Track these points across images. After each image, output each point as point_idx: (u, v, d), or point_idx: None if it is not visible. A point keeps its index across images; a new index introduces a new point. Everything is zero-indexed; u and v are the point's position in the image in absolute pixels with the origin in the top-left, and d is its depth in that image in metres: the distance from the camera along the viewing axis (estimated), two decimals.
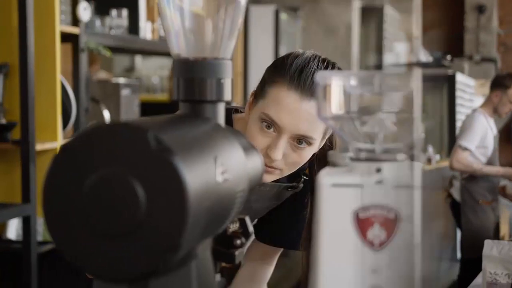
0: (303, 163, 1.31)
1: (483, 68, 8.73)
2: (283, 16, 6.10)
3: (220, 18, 0.86)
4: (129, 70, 5.86)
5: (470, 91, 7.63)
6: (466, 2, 9.28)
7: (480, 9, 9.17)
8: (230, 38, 0.86)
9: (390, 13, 7.50)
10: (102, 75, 3.79)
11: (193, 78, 0.83)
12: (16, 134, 2.46)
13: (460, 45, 8.87)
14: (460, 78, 7.04)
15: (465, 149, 4.34)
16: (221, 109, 0.85)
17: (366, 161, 0.72)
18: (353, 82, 0.73)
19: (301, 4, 5.67)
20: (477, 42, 9.16)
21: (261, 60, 5.48)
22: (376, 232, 0.70)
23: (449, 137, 7.25)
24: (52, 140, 2.55)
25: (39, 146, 2.46)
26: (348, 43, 5.55)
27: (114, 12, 3.11)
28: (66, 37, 2.70)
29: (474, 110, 4.58)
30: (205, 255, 0.75)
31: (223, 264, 1.00)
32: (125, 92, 3.13)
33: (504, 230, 4.81)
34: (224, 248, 0.90)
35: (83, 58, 2.74)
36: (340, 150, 0.89)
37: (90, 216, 0.63)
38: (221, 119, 0.84)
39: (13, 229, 2.57)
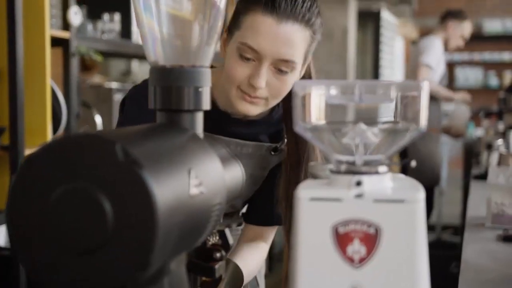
0: (286, 92, 1.29)
1: (399, 9, 8.80)
2: None
3: (198, 24, 0.83)
4: (126, 74, 5.83)
5: (392, 29, 7.72)
6: None
7: None
8: (209, 45, 0.83)
9: (386, 17, 7.49)
10: (97, 79, 3.76)
11: (170, 87, 0.80)
12: (5, 139, 2.43)
13: None
14: (385, 15, 7.11)
15: (427, 66, 4.42)
16: (199, 118, 0.82)
17: (346, 174, 0.70)
18: (333, 91, 0.71)
19: None
20: None
21: None
22: (356, 248, 0.67)
23: (373, 74, 7.34)
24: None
25: (28, 152, 2.43)
26: (344, 47, 5.53)
27: (106, 16, 3.09)
28: (57, 42, 2.67)
29: (424, 38, 4.70)
30: (179, 271, 0.72)
31: (203, 278, 0.97)
32: (118, 97, 3.10)
33: None
34: (203, 262, 0.88)
35: (74, 62, 2.71)
36: (321, 162, 0.86)
37: (56, 230, 0.60)
38: (199, 128, 0.82)
39: (2, 235, 2.54)
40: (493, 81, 10.11)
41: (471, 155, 4.78)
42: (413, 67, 4.59)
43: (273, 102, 1.30)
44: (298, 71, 1.29)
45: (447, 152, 5.94)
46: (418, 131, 0.69)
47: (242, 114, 1.34)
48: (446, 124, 4.78)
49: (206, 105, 0.82)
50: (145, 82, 1.40)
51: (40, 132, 2.50)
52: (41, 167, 0.61)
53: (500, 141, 3.12)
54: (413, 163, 0.75)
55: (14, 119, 2.37)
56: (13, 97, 2.38)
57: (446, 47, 4.61)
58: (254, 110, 1.29)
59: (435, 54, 4.45)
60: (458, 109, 4.72)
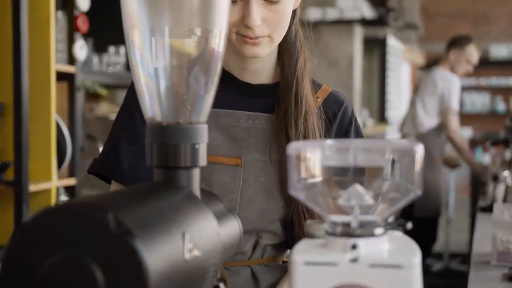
0: (287, 20, 1.21)
1: (405, 35, 8.83)
2: None
3: (195, 78, 0.83)
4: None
5: (399, 55, 7.74)
6: None
7: None
8: (206, 99, 0.83)
9: (392, 43, 7.51)
10: (104, 107, 3.77)
11: (167, 144, 0.80)
12: (9, 174, 2.44)
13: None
14: (391, 41, 7.13)
15: (457, 112, 4.42)
16: (196, 175, 0.82)
17: (341, 236, 0.69)
18: (327, 153, 0.70)
19: (303, 36, 5.66)
20: (400, 7, 9.28)
21: None
22: None
23: (379, 100, 7.33)
24: (47, 180, 2.52)
25: (33, 187, 2.44)
26: (350, 75, 5.54)
27: (112, 49, 3.11)
28: (62, 76, 2.69)
29: (435, 70, 4.69)
30: None
31: None
32: None
33: None
34: None
35: (79, 96, 2.72)
36: (317, 221, 0.86)
37: None
38: (195, 185, 0.81)
39: None
40: (500, 106, 10.10)
41: (478, 183, 4.76)
42: (423, 100, 4.54)
43: (278, 36, 1.21)
44: None
45: (454, 178, 5.92)
46: (414, 193, 0.69)
47: (250, 71, 1.27)
48: (445, 155, 4.78)
49: (203, 161, 0.82)
50: None
51: (44, 167, 2.51)
52: (33, 236, 0.61)
53: (506, 173, 3.10)
54: (409, 225, 0.74)
55: (18, 154, 2.38)
56: (18, 132, 2.39)
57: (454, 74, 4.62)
58: (260, 50, 1.21)
59: (458, 97, 4.47)
60: None
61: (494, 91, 10.12)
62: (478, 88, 10.17)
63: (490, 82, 10.06)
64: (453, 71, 4.58)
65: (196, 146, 0.81)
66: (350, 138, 1.33)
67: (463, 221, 5.98)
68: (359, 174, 0.72)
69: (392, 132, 7.68)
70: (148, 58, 0.80)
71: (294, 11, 1.27)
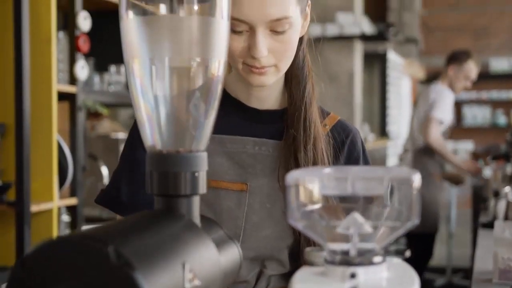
0: (294, 49, 1.19)
1: (405, 48, 8.86)
2: None
3: (195, 106, 0.84)
4: (134, 117, 5.86)
5: (399, 70, 7.76)
6: None
7: None
8: (205, 129, 0.84)
9: (393, 58, 7.53)
10: (106, 125, 3.78)
11: (167, 172, 0.81)
12: (11, 195, 2.44)
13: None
14: (391, 56, 7.14)
15: (440, 121, 4.40)
16: (195, 202, 0.82)
17: (340, 265, 0.70)
18: (325, 182, 0.71)
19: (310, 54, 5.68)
20: (400, 22, 9.33)
21: None
22: None
23: (380, 115, 7.34)
24: (48, 200, 2.53)
25: (34, 207, 2.44)
26: (350, 91, 5.55)
27: (112, 68, 3.12)
28: (64, 96, 2.70)
29: (433, 84, 4.70)
30: None
31: None
32: None
33: None
34: None
35: (81, 116, 2.73)
36: (317, 248, 0.86)
37: None
38: (195, 212, 0.82)
39: None
40: (501, 119, 10.11)
41: (479, 198, 4.76)
42: (419, 115, 4.57)
43: (285, 66, 1.21)
44: (298, 24, 1.19)
45: (456, 193, 5.92)
46: (412, 222, 0.69)
47: (257, 98, 1.27)
48: (447, 170, 4.78)
49: (203, 189, 0.83)
50: None
51: (46, 188, 2.52)
52: (35, 268, 0.62)
53: (507, 189, 3.10)
54: (408, 253, 0.74)
55: (20, 175, 2.39)
56: (19, 152, 2.40)
57: (453, 90, 4.63)
58: (267, 80, 1.20)
59: (446, 109, 4.45)
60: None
61: (495, 104, 10.15)
62: (479, 102, 10.19)
63: (491, 96, 10.08)
64: (451, 87, 4.59)
65: (196, 174, 0.81)
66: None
67: (465, 235, 5.97)
68: (358, 202, 0.72)
69: (393, 147, 7.69)
70: (148, 87, 0.81)
71: (301, 38, 1.26)
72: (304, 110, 1.26)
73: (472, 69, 4.57)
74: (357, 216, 0.71)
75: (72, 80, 2.72)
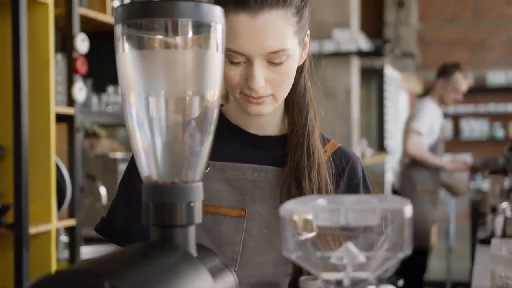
0: (291, 79, 1.20)
1: (403, 63, 8.89)
2: None
3: (191, 136, 0.85)
4: None
5: (396, 84, 7.78)
6: None
7: (400, 3, 9.37)
8: (200, 160, 0.85)
9: (390, 73, 7.56)
10: (104, 143, 3.79)
11: (163, 203, 0.82)
12: (9, 217, 2.45)
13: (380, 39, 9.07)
14: (388, 71, 7.18)
15: (418, 132, 4.41)
16: (191, 232, 0.83)
17: None
18: (319, 213, 0.72)
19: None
20: (397, 36, 9.37)
21: None
22: None
23: (377, 130, 7.34)
24: (47, 222, 2.53)
25: (33, 229, 2.44)
26: (348, 107, 5.57)
27: (110, 88, 3.14)
28: (62, 117, 2.71)
29: (423, 99, 4.73)
30: None
31: None
32: (123, 167, 3.13)
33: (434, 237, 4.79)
34: None
35: (79, 137, 2.75)
36: (311, 277, 0.87)
37: None
38: (191, 242, 0.83)
39: None
40: (499, 132, 10.13)
41: (477, 212, 4.76)
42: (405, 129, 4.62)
43: (282, 95, 1.22)
44: (296, 55, 1.20)
45: (455, 206, 5.93)
46: (404, 253, 0.70)
47: (257, 124, 1.28)
48: (445, 181, 4.77)
49: (199, 218, 0.84)
50: None
51: (44, 209, 2.52)
52: None
53: (504, 204, 3.11)
54: (400, 283, 0.75)
55: (18, 197, 2.40)
56: (18, 174, 2.41)
57: (444, 103, 4.64)
58: (264, 109, 1.21)
59: (426, 120, 4.47)
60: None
61: (493, 117, 10.17)
62: (476, 115, 10.22)
63: (488, 109, 10.11)
64: (441, 100, 4.61)
65: (192, 204, 0.82)
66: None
67: (464, 249, 5.96)
68: (351, 232, 0.74)
69: (391, 161, 7.70)
70: (144, 119, 0.83)
71: (302, 65, 1.27)
72: (307, 137, 1.27)
73: (459, 80, 4.55)
74: (350, 246, 0.72)
75: (70, 101, 2.73)
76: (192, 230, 0.83)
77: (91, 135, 3.50)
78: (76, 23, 2.74)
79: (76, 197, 2.71)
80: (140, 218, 0.98)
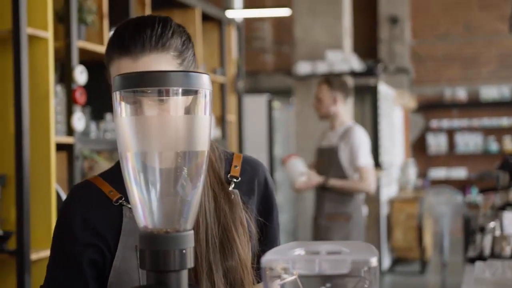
0: None
1: (397, 79, 9.00)
2: (276, 104, 6.26)
3: (182, 191, 0.94)
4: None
5: (391, 101, 7.88)
6: (379, 13, 9.63)
7: (393, 21, 9.47)
8: (191, 211, 0.94)
9: (384, 90, 7.67)
10: (103, 165, 3.87)
11: (158, 251, 0.91)
12: (11, 244, 2.53)
13: (374, 56, 9.18)
14: (382, 88, 7.28)
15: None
16: (184, 276, 0.92)
17: None
18: (296, 263, 0.81)
19: (294, 90, 5.83)
20: (391, 52, 9.48)
21: (256, 148, 5.63)
22: None
23: (372, 146, 7.42)
24: (47, 248, 2.61)
25: (34, 256, 2.53)
26: None
27: (109, 116, 3.23)
28: (61, 146, 2.80)
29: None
30: None
31: None
32: None
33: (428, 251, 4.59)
34: None
35: (78, 165, 2.84)
36: None
37: None
38: (184, 285, 0.92)
39: None
40: (493, 146, 10.24)
41: (469, 227, 4.84)
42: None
43: None
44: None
45: (449, 223, 6.01)
46: None
47: None
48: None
49: (191, 263, 0.93)
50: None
51: (46, 236, 2.61)
52: None
53: (492, 224, 3.18)
54: None
55: (20, 224, 2.48)
56: (20, 202, 2.49)
57: None
58: None
59: None
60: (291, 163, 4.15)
61: (487, 131, 10.29)
62: (470, 129, 10.33)
63: (482, 123, 10.22)
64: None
65: (184, 251, 0.92)
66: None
67: (459, 263, 6.05)
68: (326, 279, 0.83)
69: (386, 177, 7.79)
70: (140, 176, 0.92)
71: None
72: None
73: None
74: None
75: (70, 131, 2.82)
76: (184, 274, 0.93)
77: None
78: (75, 56, 2.84)
79: None
80: (81, 277, 1.02)
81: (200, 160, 0.94)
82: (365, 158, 3.97)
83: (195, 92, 0.91)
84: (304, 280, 0.83)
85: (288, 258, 0.82)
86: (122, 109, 0.90)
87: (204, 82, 0.92)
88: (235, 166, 1.36)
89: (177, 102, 0.90)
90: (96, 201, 1.31)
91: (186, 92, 0.90)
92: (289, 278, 0.83)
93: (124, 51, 1.22)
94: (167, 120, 0.92)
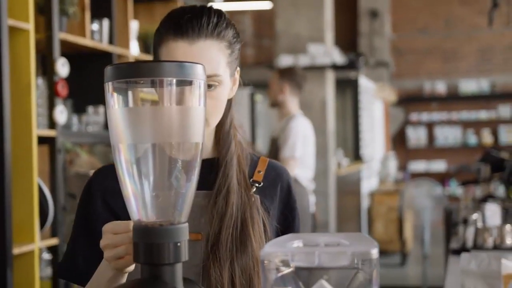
0: (222, 107, 1.28)
1: (377, 72, 9.05)
2: (258, 97, 6.25)
3: (176, 184, 0.93)
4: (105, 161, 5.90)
5: (371, 94, 7.93)
6: (359, 7, 9.68)
7: (373, 14, 9.52)
8: (185, 203, 0.93)
9: (364, 83, 7.69)
10: (84, 158, 3.83)
11: (152, 244, 0.89)
12: None
13: (354, 49, 9.22)
14: (362, 82, 7.32)
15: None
16: (178, 269, 0.91)
17: None
18: (295, 256, 0.80)
19: None
20: (371, 46, 9.54)
21: None
22: None
23: (353, 139, 7.49)
24: (30, 242, 2.58)
25: (16, 250, 2.50)
26: (323, 119, 5.67)
27: (91, 109, 3.20)
28: (43, 139, 2.77)
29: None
30: None
31: None
32: None
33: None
34: None
35: (60, 158, 2.80)
36: None
37: None
38: (178, 278, 0.90)
39: None
40: (472, 139, 10.32)
41: (450, 221, 4.86)
42: None
43: (214, 121, 1.28)
44: (227, 85, 1.29)
45: (430, 216, 6.04)
46: None
47: None
48: None
49: (185, 256, 0.91)
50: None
51: (27, 229, 2.58)
52: None
53: (475, 216, 3.21)
54: None
55: (2, 217, 2.45)
56: (1, 195, 2.46)
57: None
58: None
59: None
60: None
61: (465, 124, 10.36)
62: (449, 122, 10.40)
63: (461, 116, 10.30)
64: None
65: (178, 244, 0.90)
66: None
67: (440, 255, 6.09)
68: (325, 271, 0.82)
69: (367, 169, 7.83)
70: (134, 168, 0.90)
71: (230, 101, 1.35)
72: (224, 167, 1.31)
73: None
74: (324, 283, 0.80)
75: (52, 124, 2.79)
76: (179, 267, 0.91)
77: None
78: (57, 48, 2.80)
79: (59, 216, 2.76)
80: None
81: (195, 152, 0.92)
82: (290, 150, 3.85)
83: (190, 83, 0.90)
84: (303, 272, 0.82)
85: (288, 251, 0.81)
86: (115, 100, 0.89)
87: (199, 73, 0.90)
88: (259, 171, 1.37)
89: (171, 92, 0.88)
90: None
91: (180, 83, 0.88)
92: (287, 271, 0.82)
93: (180, 34, 1.24)
94: (160, 111, 0.90)
